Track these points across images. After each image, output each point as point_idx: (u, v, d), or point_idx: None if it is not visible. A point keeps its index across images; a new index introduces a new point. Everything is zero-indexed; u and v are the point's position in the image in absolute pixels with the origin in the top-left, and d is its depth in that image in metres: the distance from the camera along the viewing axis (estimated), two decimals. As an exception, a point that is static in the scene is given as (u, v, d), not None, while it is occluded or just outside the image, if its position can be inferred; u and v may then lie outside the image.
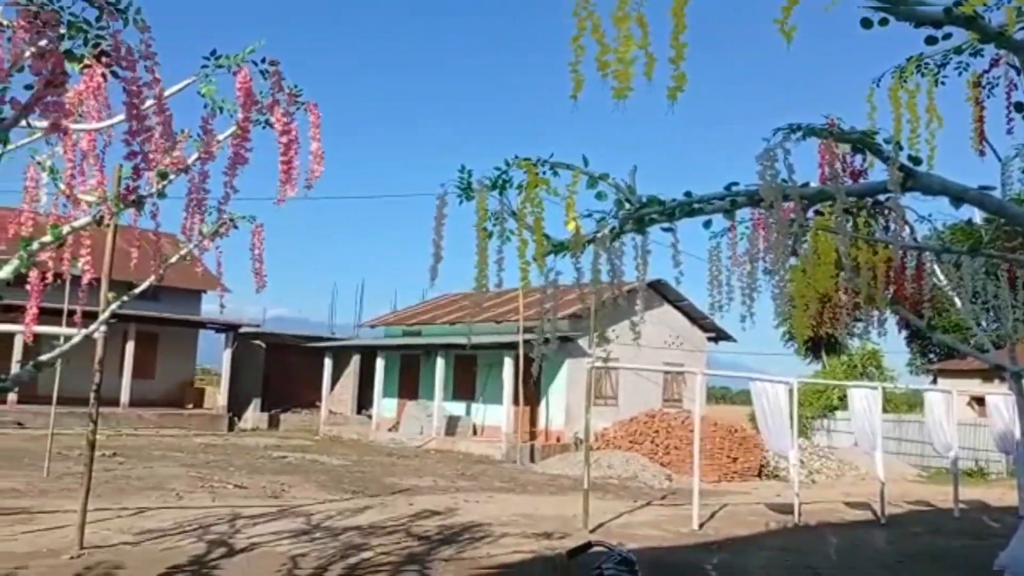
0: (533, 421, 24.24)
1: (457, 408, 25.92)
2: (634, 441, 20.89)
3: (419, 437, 24.63)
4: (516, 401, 22.39)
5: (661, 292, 25.01)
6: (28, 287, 5.53)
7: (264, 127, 4.53)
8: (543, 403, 24.29)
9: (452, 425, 25.04)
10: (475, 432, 25.12)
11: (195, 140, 5.11)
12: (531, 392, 23.25)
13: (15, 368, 21.55)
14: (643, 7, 2.96)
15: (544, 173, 4.49)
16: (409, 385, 28.10)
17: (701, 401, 13.18)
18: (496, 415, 24.04)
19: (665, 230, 4.66)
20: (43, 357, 5.07)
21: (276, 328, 33.45)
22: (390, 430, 26.60)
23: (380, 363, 27.75)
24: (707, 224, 4.99)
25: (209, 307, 32.02)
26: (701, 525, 12.00)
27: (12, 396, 22.62)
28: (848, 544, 11.58)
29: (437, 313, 29.84)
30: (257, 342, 30.81)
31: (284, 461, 18.66)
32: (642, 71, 3.16)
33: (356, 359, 31.05)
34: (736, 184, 4.49)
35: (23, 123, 3.65)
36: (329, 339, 33.07)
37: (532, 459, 21.40)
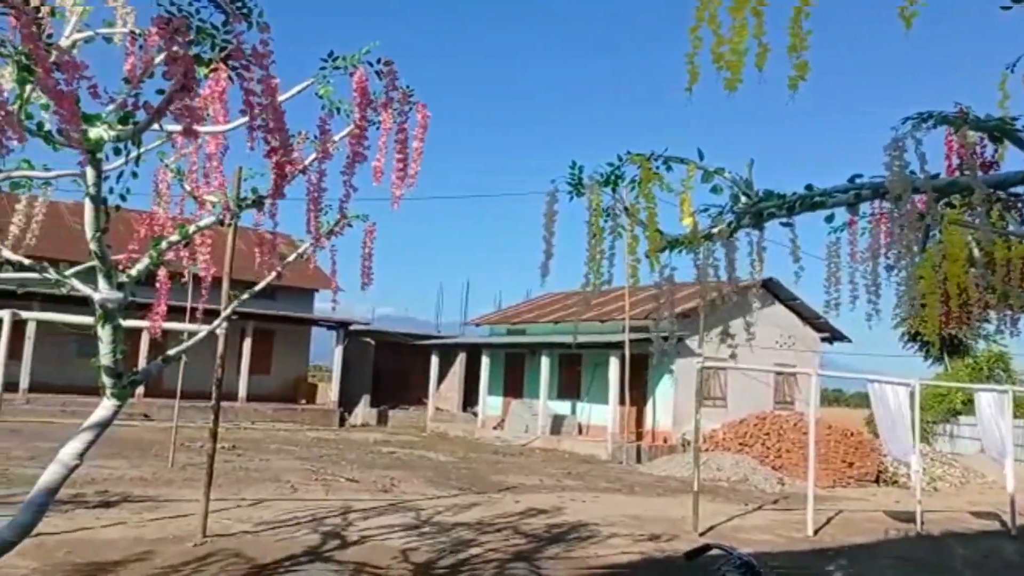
0: (639, 421, 23.99)
1: (562, 407, 25.89)
2: (744, 443, 20.39)
3: (524, 435, 24.71)
4: (622, 401, 22.19)
5: (772, 290, 24.35)
6: (156, 285, 5.77)
7: (376, 127, 4.60)
8: (649, 403, 24.00)
9: (557, 424, 25.02)
10: (580, 431, 25.03)
11: (312, 141, 5.24)
12: (637, 392, 23.01)
13: (142, 362, 22.71)
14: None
15: (658, 168, 4.39)
16: (514, 383, 28.23)
17: (815, 403, 12.72)
18: (601, 414, 23.89)
19: (784, 225, 4.50)
20: (170, 352, 5.28)
21: (384, 326, 34.21)
22: (495, 428, 26.79)
23: (485, 361, 27.99)
24: (829, 219, 4.79)
25: (321, 305, 33.00)
26: (816, 531, 11.59)
27: (140, 389, 23.82)
28: (976, 556, 10.98)
29: (541, 312, 29.88)
30: (367, 339, 31.55)
31: (393, 456, 19.02)
32: (753, 62, 3.06)
33: (462, 357, 31.40)
34: (860, 176, 4.29)
35: (155, 127, 3.81)
36: (435, 337, 33.58)
37: (638, 460, 21.17)
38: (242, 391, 26.95)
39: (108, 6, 5.28)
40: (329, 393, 30.30)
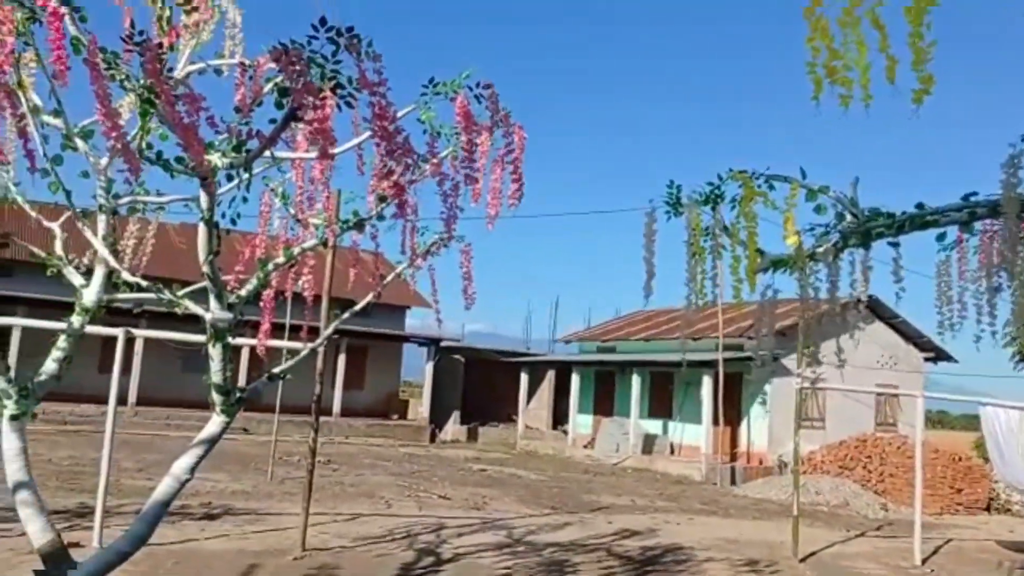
0: (733, 442, 23.49)
1: (653, 426, 25.57)
2: (844, 466, 19.74)
3: (615, 454, 24.48)
4: (715, 420, 21.78)
5: (873, 308, 23.56)
6: (261, 304, 5.95)
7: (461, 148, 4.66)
8: (744, 423, 23.49)
9: (649, 443, 24.72)
10: (672, 451, 24.66)
11: (406, 163, 5.35)
12: (731, 411, 22.56)
13: (243, 379, 23.47)
14: (877, 7, 2.77)
15: (760, 186, 4.32)
16: (604, 401, 28.04)
17: (921, 426, 12.22)
18: (694, 434, 23.50)
19: (891, 244, 4.36)
20: (275, 369, 5.43)
21: (474, 343, 34.48)
22: (585, 446, 26.64)
23: (575, 379, 27.89)
24: (940, 237, 4.63)
25: (411, 322, 33.52)
26: (924, 560, 11.10)
27: (240, 404, 24.60)
28: (1101, 592, 10.34)
29: (632, 329, 29.63)
30: (457, 356, 31.86)
31: (484, 474, 19.10)
32: (871, 75, 2.97)
33: (551, 374, 31.37)
34: (975, 194, 4.13)
35: (265, 153, 3.95)
36: (525, 354, 33.66)
37: (733, 481, 20.72)
38: (337, 406, 27.53)
39: (203, 40, 5.53)
40: (420, 409, 30.69)
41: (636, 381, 24.88)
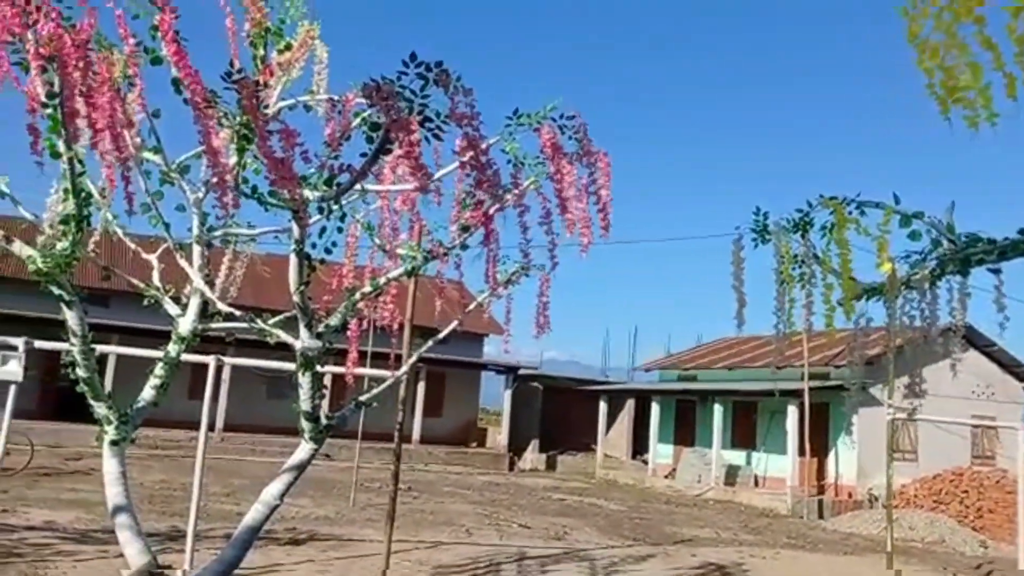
0: (820, 474, 22.78)
1: (736, 457, 24.99)
2: (939, 500, 18.93)
3: (697, 485, 24.01)
4: (801, 452, 21.16)
5: (967, 337, 22.64)
6: (348, 333, 6.06)
7: (549, 178, 4.68)
8: (831, 455, 22.77)
9: (731, 474, 24.15)
10: (756, 483, 24.05)
11: (492, 194, 5.40)
12: (818, 442, 21.90)
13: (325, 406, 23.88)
14: (986, 27, 2.69)
15: (851, 212, 4.23)
16: (685, 431, 27.57)
17: (1022, 459, 11.65)
18: (779, 466, 22.88)
19: (992, 272, 4.20)
20: (363, 397, 5.53)
21: (552, 371, 34.39)
22: (666, 477, 26.20)
23: (655, 408, 27.51)
24: (1047, 264, 4.44)
25: (489, 349, 33.65)
26: (1029, 603, 10.55)
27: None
28: None
29: (714, 357, 29.14)
30: (535, 384, 31.80)
31: (563, 503, 18.95)
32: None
33: (631, 403, 31.03)
34: (1083, 217, 3.94)
35: (356, 186, 4.04)
36: (603, 382, 33.41)
37: (821, 515, 20.07)
38: (416, 433, 27.73)
39: (293, 77, 5.70)
40: (498, 437, 30.68)
41: (718, 410, 24.39)
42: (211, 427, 23.76)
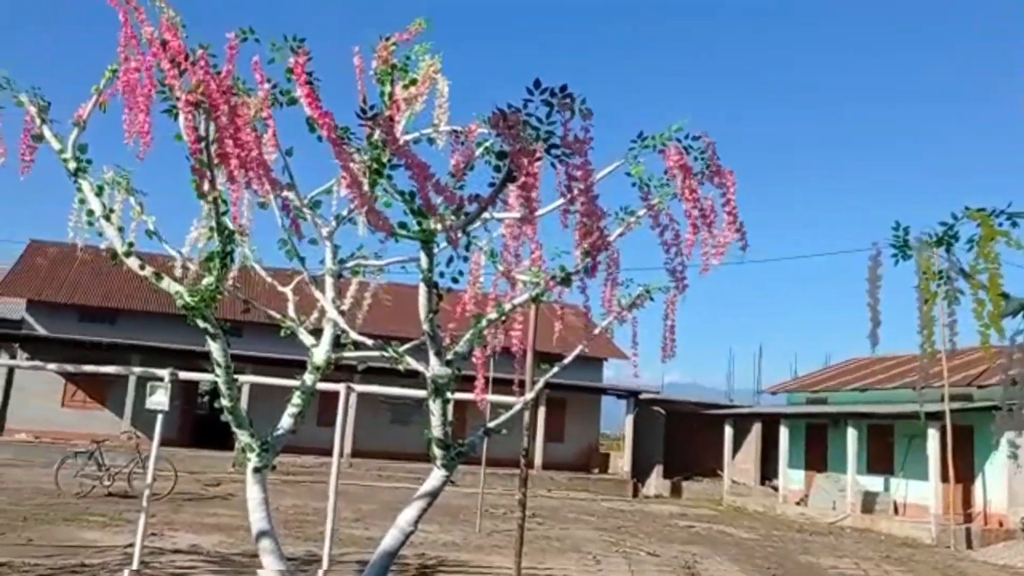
0: (966, 501, 21.46)
1: (873, 483, 23.83)
2: (1103, 531, 17.52)
3: (831, 513, 23.03)
4: (944, 477, 20.00)
5: None
6: (474, 359, 6.11)
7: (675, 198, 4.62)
8: (978, 480, 21.43)
9: (868, 501, 23.04)
10: (896, 510, 22.86)
11: (617, 218, 5.37)
12: (962, 467, 20.66)
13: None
14: None
15: (1001, 224, 4.00)
16: (816, 456, 26.53)
17: None
18: (920, 492, 21.69)
19: None
20: (490, 424, 5.56)
21: (674, 395, 33.82)
22: (797, 503, 25.25)
23: (784, 432, 26.61)
24: None
25: (609, 374, 33.42)
26: None
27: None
28: None
29: (845, 379, 28.01)
30: (656, 408, 31.34)
31: (691, 531, 18.52)
32: None
33: (757, 427, 30.13)
34: None
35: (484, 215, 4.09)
36: (728, 406, 32.60)
37: (969, 545, 18.88)
38: (538, 459, 27.74)
39: (416, 110, 5.84)
40: (620, 462, 30.34)
41: (852, 434, 23.36)
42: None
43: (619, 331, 7.02)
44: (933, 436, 20.35)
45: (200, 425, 29.39)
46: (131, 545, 9.19)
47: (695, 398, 34.24)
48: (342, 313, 6.03)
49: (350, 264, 6.07)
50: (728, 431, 28.80)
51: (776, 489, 26.98)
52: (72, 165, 5.43)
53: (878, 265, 4.37)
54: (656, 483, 29.60)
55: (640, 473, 29.41)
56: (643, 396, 30.57)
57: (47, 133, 5.47)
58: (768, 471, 29.02)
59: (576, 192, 3.61)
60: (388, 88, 4.82)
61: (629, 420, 29.71)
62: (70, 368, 11.80)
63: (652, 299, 7.05)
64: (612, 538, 15.55)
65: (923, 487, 21.23)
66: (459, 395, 7.34)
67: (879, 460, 24.10)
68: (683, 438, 31.05)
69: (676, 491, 29.31)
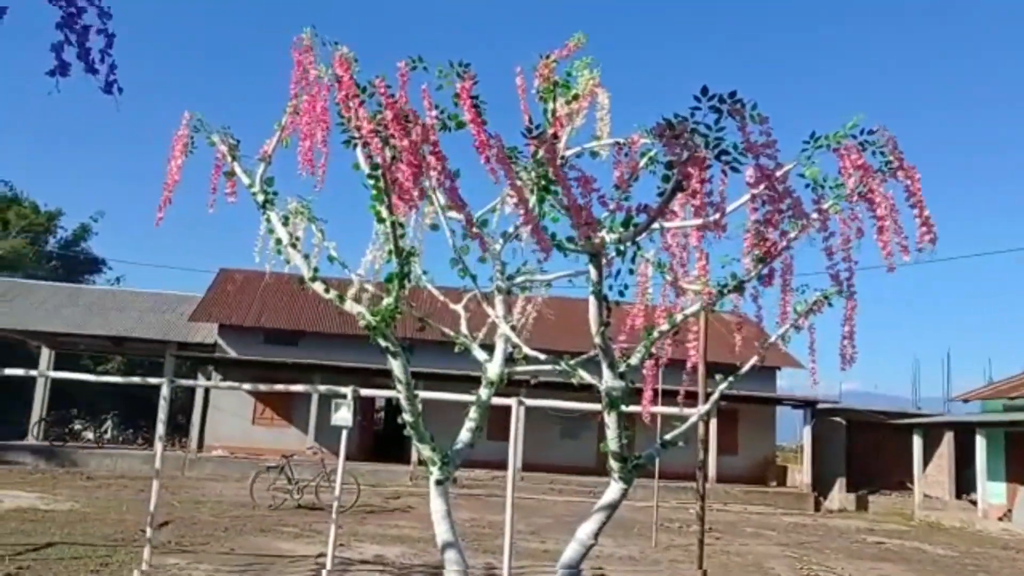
0: None
1: (1087, 496, 21.73)
2: None
3: (1039, 529, 21.17)
4: None
5: None
6: (644, 371, 6.06)
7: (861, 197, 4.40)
8: None
9: (1083, 517, 21.02)
10: (1117, 527, 20.72)
11: (791, 222, 5.19)
12: None
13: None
14: None
15: None
16: (1020, 467, 24.46)
17: None
18: None
19: None
20: (667, 436, 5.49)
21: (852, 403, 32.12)
22: (1000, 519, 23.37)
23: (980, 442, 24.73)
24: None
25: (782, 383, 32.16)
26: None
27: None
28: None
29: (1048, 383, 25.73)
30: (836, 419, 29.89)
31: (882, 547, 17.49)
32: None
33: (949, 437, 28.14)
34: None
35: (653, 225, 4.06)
36: (915, 415, 30.63)
37: None
38: (711, 471, 27.04)
39: (576, 125, 5.87)
40: (798, 475, 29.11)
41: (1059, 443, 21.41)
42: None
43: (799, 340, 6.76)
44: None
45: (377, 440, 30.60)
46: (322, 555, 9.70)
47: (876, 407, 32.35)
48: (513, 328, 6.14)
49: (519, 280, 6.18)
50: (917, 441, 27.07)
51: (974, 503, 25.08)
52: (260, 198, 5.83)
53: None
54: (839, 496, 28.19)
55: (821, 486, 28.10)
56: (821, 406, 29.23)
57: (237, 169, 5.90)
58: (963, 484, 27.02)
59: (761, 198, 3.52)
60: (551, 105, 4.88)
61: (807, 431, 28.48)
62: (263, 387, 12.60)
63: (831, 304, 6.76)
64: (796, 554, 14.93)
65: None
66: (637, 408, 7.33)
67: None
68: (866, 449, 29.44)
69: (861, 505, 27.78)
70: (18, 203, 48.05)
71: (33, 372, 12.34)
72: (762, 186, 3.80)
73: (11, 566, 8.75)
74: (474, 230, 4.33)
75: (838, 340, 6.32)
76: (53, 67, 2.22)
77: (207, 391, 27.95)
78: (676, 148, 3.44)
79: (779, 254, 5.08)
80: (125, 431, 31.02)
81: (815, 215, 4.64)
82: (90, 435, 30.20)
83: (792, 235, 4.98)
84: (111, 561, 9.47)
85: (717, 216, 3.77)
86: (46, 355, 31.59)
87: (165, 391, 9.11)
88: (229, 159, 5.90)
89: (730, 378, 6.11)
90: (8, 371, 9.22)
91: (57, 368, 29.13)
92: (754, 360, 6.11)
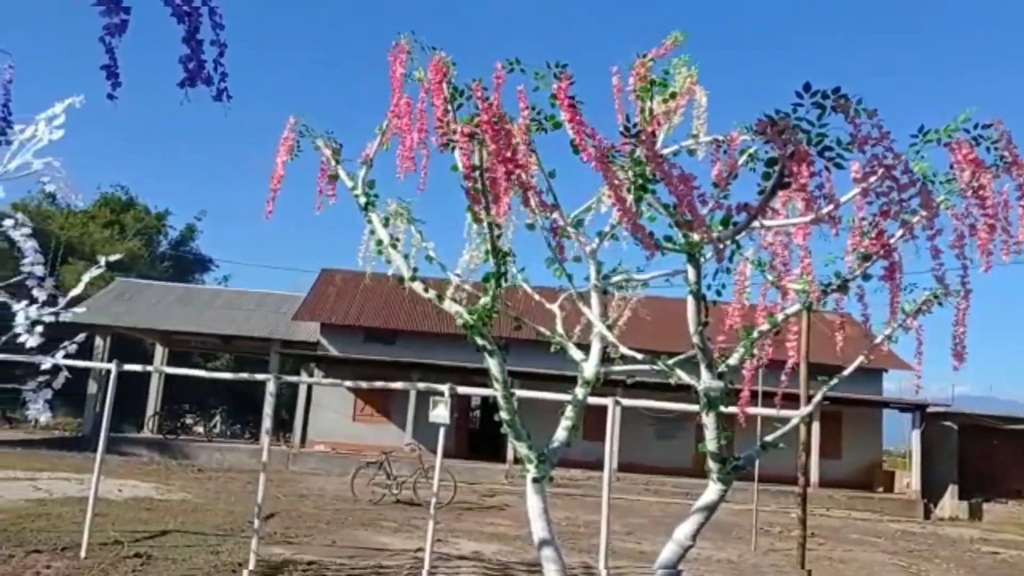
0: None
1: None
2: None
3: None
4: None
5: None
6: (743, 372, 5.95)
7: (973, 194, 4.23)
8: None
9: None
10: None
11: (910, 214, 5.01)
12: None
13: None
14: None
15: None
16: None
17: None
18: None
19: None
20: (768, 438, 5.39)
21: (965, 407, 30.74)
22: None
23: (1106, 449, 23.34)
24: None
25: (888, 386, 31.04)
26: None
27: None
28: None
29: None
30: (947, 423, 28.67)
31: (997, 558, 16.71)
32: None
33: (1073, 444, 26.69)
34: None
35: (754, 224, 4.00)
36: (1034, 420, 29.12)
37: None
38: (814, 476, 26.31)
39: (674, 123, 5.81)
40: (906, 481, 28.04)
41: None
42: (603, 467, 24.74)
43: (906, 341, 6.54)
44: None
45: (472, 438, 30.94)
46: (420, 550, 9.88)
47: (991, 411, 30.87)
48: (609, 328, 6.13)
49: (615, 279, 6.16)
50: (1036, 448, 25.75)
51: (1100, 514, 23.68)
52: (362, 200, 5.98)
53: None
54: (950, 504, 27.03)
55: (930, 493, 26.99)
56: (931, 409, 28.08)
57: (341, 173, 6.08)
58: (1088, 494, 25.55)
59: (874, 192, 3.44)
60: (648, 104, 4.86)
61: (916, 435, 27.41)
62: (364, 384, 12.91)
63: (941, 304, 6.50)
64: (904, 562, 14.41)
65: None
66: (734, 409, 7.21)
67: None
68: (980, 455, 28.14)
69: (975, 514, 26.57)
70: (133, 206, 50.56)
71: (150, 368, 12.97)
72: (873, 179, 3.70)
73: (130, 551, 9.22)
74: (558, 238, 4.36)
75: (948, 341, 6.09)
76: (182, 79, 2.34)
77: (310, 388, 28.76)
78: (779, 144, 3.39)
79: (894, 249, 4.93)
80: (232, 426, 32.27)
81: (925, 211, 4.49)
82: (200, 429, 31.55)
83: (900, 232, 4.83)
84: (221, 550, 9.87)
85: (831, 208, 3.69)
86: (160, 352, 33.11)
87: (271, 386, 9.44)
88: (333, 162, 6.08)
89: (832, 380, 5.96)
90: (128, 366, 9.71)
91: (170, 365, 30.51)
92: (860, 360, 5.94)
